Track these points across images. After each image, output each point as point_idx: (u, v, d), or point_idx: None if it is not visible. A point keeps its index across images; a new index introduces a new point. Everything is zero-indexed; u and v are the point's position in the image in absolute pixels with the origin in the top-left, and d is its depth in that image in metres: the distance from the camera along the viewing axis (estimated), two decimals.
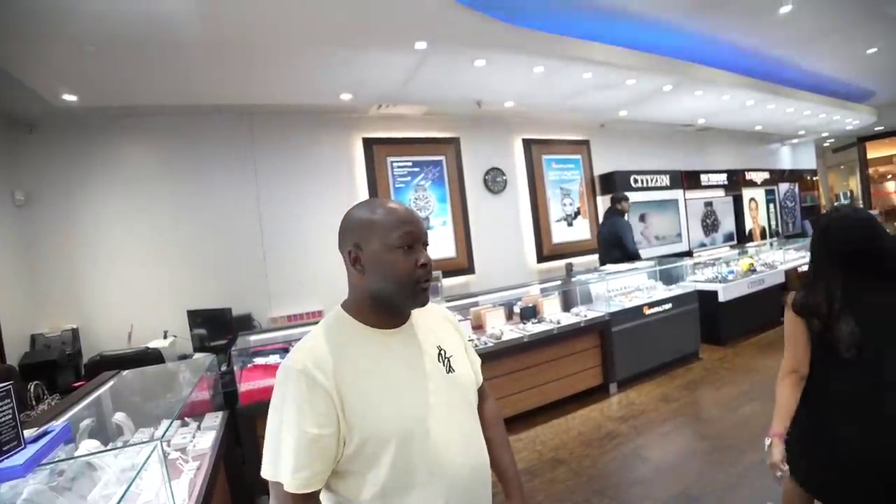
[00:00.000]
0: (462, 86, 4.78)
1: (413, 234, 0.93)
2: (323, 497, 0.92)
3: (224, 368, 3.35)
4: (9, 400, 1.20)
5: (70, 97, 3.84)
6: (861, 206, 11.81)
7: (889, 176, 14.09)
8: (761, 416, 3.56)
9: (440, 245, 5.33)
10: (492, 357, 3.53)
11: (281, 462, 0.85)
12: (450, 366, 1.02)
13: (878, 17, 5.06)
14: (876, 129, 10.90)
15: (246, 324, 4.37)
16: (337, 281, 5.32)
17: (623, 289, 4.70)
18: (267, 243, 4.83)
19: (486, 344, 3.57)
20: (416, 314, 1.04)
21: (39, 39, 2.94)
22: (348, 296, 1.01)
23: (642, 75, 5.03)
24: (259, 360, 3.28)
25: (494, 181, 5.85)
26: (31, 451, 1.22)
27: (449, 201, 5.47)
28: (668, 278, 5.22)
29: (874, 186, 13.81)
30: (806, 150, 11.74)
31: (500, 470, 1.13)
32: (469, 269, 5.47)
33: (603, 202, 6.58)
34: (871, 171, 13.27)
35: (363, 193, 5.26)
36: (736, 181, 8.68)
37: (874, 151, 12.96)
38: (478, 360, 1.18)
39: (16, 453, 1.20)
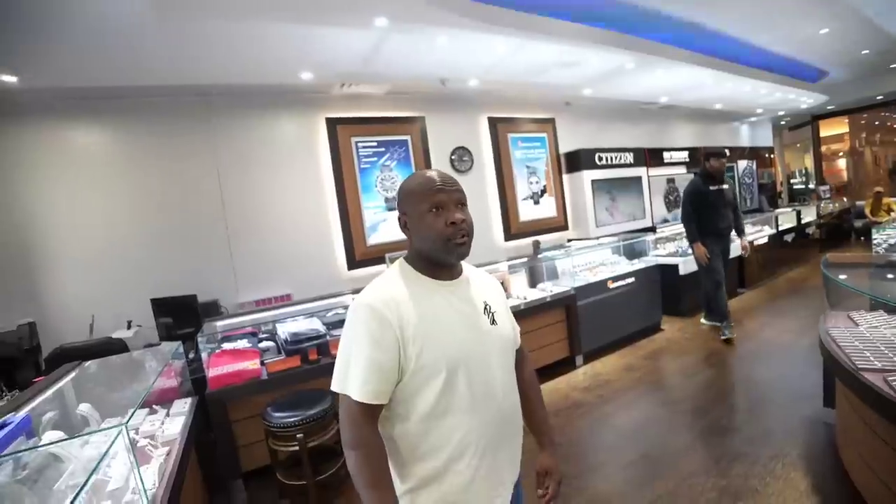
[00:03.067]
0: (425, 63, 4.72)
1: (440, 199, 1.06)
2: (381, 417, 1.06)
3: (192, 355, 3.32)
4: None
5: (8, 78, 3.62)
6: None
7: (840, 153, 14.81)
8: (718, 381, 3.78)
9: None
10: None
11: (350, 379, 1.00)
12: (493, 318, 1.15)
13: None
14: (828, 108, 11.35)
15: (213, 310, 4.30)
16: (306, 263, 5.24)
17: (588, 264, 4.84)
18: (231, 227, 4.72)
19: None
20: (472, 274, 1.21)
21: None
22: (407, 252, 1.16)
23: (604, 52, 5.07)
24: (227, 346, 3.25)
25: (461, 160, 5.85)
26: None
27: None
28: (632, 253, 5.38)
29: (827, 164, 14.51)
30: (763, 128, 12.15)
31: (535, 423, 1.32)
32: None
33: (569, 180, 6.69)
34: (823, 148, 13.93)
35: (328, 174, 5.19)
36: (697, 158, 8.93)
37: (826, 130, 13.56)
38: (517, 326, 1.31)
39: None
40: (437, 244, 1.06)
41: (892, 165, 13.52)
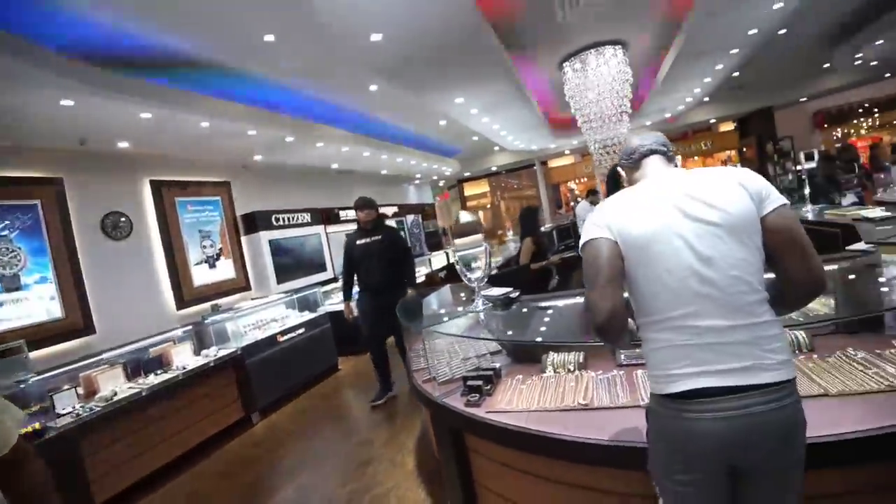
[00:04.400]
0: (56, 120, 4.20)
1: None
2: None
3: None
4: None
5: None
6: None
7: (486, 206, 19.82)
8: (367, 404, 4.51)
9: (37, 308, 4.44)
10: (104, 423, 3.30)
11: None
12: None
13: (431, 108, 7.17)
14: (465, 174, 15.10)
15: None
16: None
17: (258, 322, 5.08)
18: None
19: (91, 411, 3.28)
20: None
21: None
22: None
23: (262, 128, 5.59)
24: None
25: (116, 227, 5.28)
26: None
27: (50, 254, 4.63)
28: (306, 305, 5.91)
29: (484, 213, 19.38)
30: (425, 189, 15.14)
31: None
32: (86, 330, 4.72)
33: (247, 241, 6.86)
34: (475, 202, 18.55)
35: None
36: None
37: (472, 189, 18.10)
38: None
39: None
40: None
41: (517, 215, 18.88)
